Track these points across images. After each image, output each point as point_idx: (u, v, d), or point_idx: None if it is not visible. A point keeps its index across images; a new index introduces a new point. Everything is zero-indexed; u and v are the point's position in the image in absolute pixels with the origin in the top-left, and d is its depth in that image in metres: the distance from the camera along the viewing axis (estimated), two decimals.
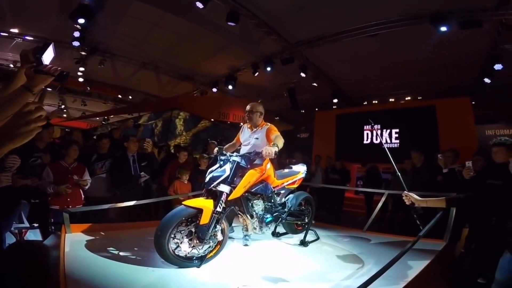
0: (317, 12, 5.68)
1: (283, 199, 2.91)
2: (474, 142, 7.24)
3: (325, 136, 10.94)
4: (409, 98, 10.18)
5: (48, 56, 1.34)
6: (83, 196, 3.19)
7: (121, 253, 2.19)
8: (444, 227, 2.92)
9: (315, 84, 8.75)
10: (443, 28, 5.13)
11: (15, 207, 2.69)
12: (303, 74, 7.74)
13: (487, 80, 6.83)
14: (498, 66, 6.20)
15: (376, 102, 10.77)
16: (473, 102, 8.12)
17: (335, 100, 9.98)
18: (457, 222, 2.97)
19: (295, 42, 6.98)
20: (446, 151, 4.19)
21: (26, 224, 2.95)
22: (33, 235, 3.04)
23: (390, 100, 10.57)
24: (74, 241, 2.25)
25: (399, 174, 2.24)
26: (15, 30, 7.23)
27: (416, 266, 2.19)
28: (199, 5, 5.10)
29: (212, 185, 2.25)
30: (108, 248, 2.24)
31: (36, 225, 3.01)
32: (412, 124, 8.60)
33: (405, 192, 2.22)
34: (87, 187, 3.17)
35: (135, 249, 2.31)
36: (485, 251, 2.33)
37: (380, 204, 3.59)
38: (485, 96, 7.90)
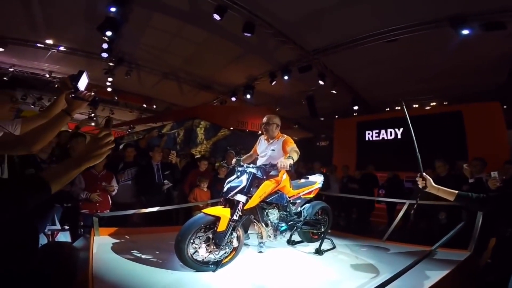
0: (333, 20, 5.72)
1: (299, 208, 2.95)
2: (505, 149, 6.81)
3: (346, 144, 10.75)
4: (434, 103, 9.80)
5: (83, 83, 1.56)
6: (110, 202, 3.43)
7: (143, 256, 2.34)
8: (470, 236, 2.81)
9: (334, 91, 8.71)
10: (465, 31, 4.96)
11: (49, 210, 2.96)
12: (321, 82, 7.74)
13: None
14: None
15: (399, 108, 10.47)
16: (505, 107, 7.67)
17: (356, 107, 9.84)
18: (484, 231, 2.82)
19: (312, 50, 7.04)
20: (472, 160, 4.03)
21: (58, 226, 3.21)
22: (64, 237, 3.30)
23: (414, 106, 10.23)
24: (102, 244, 2.44)
25: (418, 154, 2.14)
26: (50, 41, 7.82)
27: (434, 276, 2.13)
28: (216, 17, 5.32)
29: (229, 195, 2.36)
30: (132, 251, 2.40)
31: (67, 227, 3.27)
32: (437, 131, 8.25)
33: (423, 173, 2.05)
34: (114, 193, 3.41)
35: (157, 252, 2.45)
36: (504, 263, 2.22)
37: (401, 214, 3.49)
38: None
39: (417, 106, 10.11)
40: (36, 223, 2.12)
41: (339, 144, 11.16)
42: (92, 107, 1.64)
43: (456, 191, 1.97)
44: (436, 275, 2.15)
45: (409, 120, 2.21)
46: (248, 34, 5.78)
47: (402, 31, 5.67)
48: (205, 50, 7.75)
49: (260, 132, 7.59)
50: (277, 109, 11.50)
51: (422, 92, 8.92)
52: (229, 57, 8.04)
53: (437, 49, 6.29)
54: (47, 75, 10.30)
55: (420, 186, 2.06)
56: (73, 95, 1.54)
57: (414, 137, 2.16)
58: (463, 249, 2.78)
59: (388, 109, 10.78)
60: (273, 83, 8.34)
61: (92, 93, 1.57)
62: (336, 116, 11.70)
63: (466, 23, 4.94)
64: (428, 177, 2.04)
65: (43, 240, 2.93)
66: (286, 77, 7.72)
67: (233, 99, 10.50)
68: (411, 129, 2.16)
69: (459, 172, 4.06)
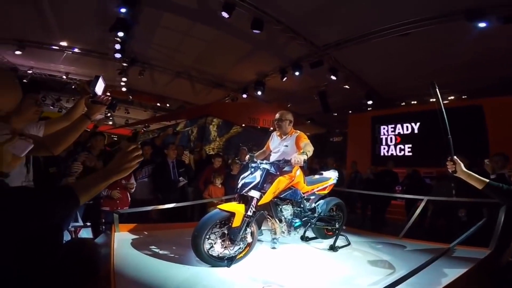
0: (342, 14, 5.61)
1: (313, 205, 2.94)
2: None
3: (360, 140, 10.57)
4: (452, 97, 9.44)
5: (100, 87, 1.64)
6: (129, 199, 3.55)
7: (161, 251, 2.41)
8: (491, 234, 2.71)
9: (346, 86, 8.55)
10: (482, 24, 4.77)
11: None
12: (333, 77, 7.62)
13: None
14: None
15: (415, 102, 10.16)
16: None
17: (370, 102, 9.63)
18: (507, 229, 2.71)
19: (323, 45, 6.94)
20: (494, 156, 3.87)
21: (81, 223, 3.36)
22: (86, 233, 3.45)
23: (431, 100, 9.89)
24: (122, 239, 2.53)
25: (450, 137, 2.07)
26: (64, 43, 8.06)
27: (452, 274, 2.09)
28: (225, 14, 5.33)
29: (243, 191, 2.39)
30: (150, 246, 2.48)
31: (89, 224, 3.42)
32: (456, 125, 7.91)
33: (454, 157, 1.98)
34: (133, 190, 3.53)
35: (173, 247, 2.53)
36: None
37: (418, 210, 3.42)
38: None
39: (433, 100, 9.76)
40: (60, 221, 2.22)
41: (353, 140, 10.99)
42: (111, 110, 1.72)
43: (487, 180, 1.90)
44: (454, 273, 2.10)
45: (441, 101, 2.19)
46: (257, 31, 5.76)
47: (415, 24, 5.49)
48: (216, 48, 7.78)
49: (271, 128, 7.59)
50: (288, 105, 11.43)
51: (439, 86, 8.57)
52: (239, 54, 8.04)
53: (454, 41, 6.06)
54: (64, 77, 10.65)
55: (450, 170, 2.00)
56: (91, 99, 1.62)
57: (446, 118, 2.11)
58: (484, 247, 2.69)
59: (403, 103, 10.48)
60: (284, 79, 8.28)
61: (110, 97, 1.64)
62: (350, 111, 11.50)
63: (483, 16, 4.75)
64: (459, 160, 1.96)
65: (66, 236, 3.07)
66: (297, 73, 7.65)
67: (244, 96, 10.53)
68: (443, 110, 2.11)
69: (481, 168, 3.92)
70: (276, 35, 6.66)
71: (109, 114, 14.83)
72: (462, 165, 1.96)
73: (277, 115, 2.92)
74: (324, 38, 6.71)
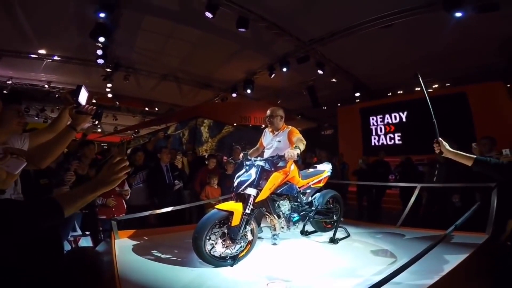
0: (326, 8, 5.66)
1: (310, 198, 2.97)
2: None
3: (350, 131, 10.74)
4: (436, 86, 9.68)
5: (83, 97, 1.62)
6: (125, 205, 3.51)
7: (163, 255, 2.40)
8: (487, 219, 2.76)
9: (334, 80, 8.66)
10: (458, 14, 4.90)
11: (71, 216, 3.04)
12: (320, 72, 7.71)
13: None
14: None
15: (402, 92, 10.38)
16: (508, 86, 7.58)
17: (357, 94, 9.78)
18: (501, 213, 2.78)
19: (308, 40, 6.99)
20: (481, 139, 3.98)
21: (79, 232, 3.30)
22: (85, 242, 3.39)
23: (416, 89, 10.12)
24: (123, 246, 2.50)
25: (434, 121, 2.15)
26: (43, 51, 7.82)
27: (452, 260, 2.13)
28: (208, 15, 5.28)
29: (240, 189, 2.39)
30: (152, 251, 2.46)
31: (87, 233, 3.36)
32: (442, 113, 8.10)
33: (439, 138, 2.04)
34: (128, 197, 3.49)
35: (175, 251, 2.52)
36: None
37: (413, 198, 3.49)
38: None
39: (418, 89, 9.99)
40: (59, 230, 2.18)
41: (343, 132, 11.15)
42: (96, 119, 1.68)
43: (474, 156, 1.94)
44: (455, 259, 2.14)
45: (424, 89, 2.28)
46: (243, 30, 5.75)
47: (397, 16, 5.59)
48: (201, 49, 7.73)
49: (263, 126, 7.61)
50: (278, 102, 11.48)
51: (423, 74, 8.78)
52: (226, 54, 8.02)
53: (435, 31, 6.21)
54: (46, 86, 10.36)
55: (436, 151, 2.04)
56: (76, 110, 1.59)
57: (430, 104, 2.18)
58: (480, 232, 2.74)
59: (390, 93, 10.68)
60: (273, 76, 8.32)
61: (94, 107, 1.61)
62: (339, 104, 11.65)
63: (460, 6, 4.87)
64: (443, 141, 2.01)
65: (66, 246, 3.01)
66: (284, 69, 7.69)
67: (234, 95, 10.51)
68: (427, 97, 2.20)
69: (469, 153, 4.02)
70: (261, 33, 6.67)
71: (96, 122, 14.55)
72: (447, 145, 2.00)
73: (268, 112, 2.94)
74: (309, 33, 6.76)
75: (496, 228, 2.76)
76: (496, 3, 4.74)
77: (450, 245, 2.57)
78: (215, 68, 9.12)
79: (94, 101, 11.20)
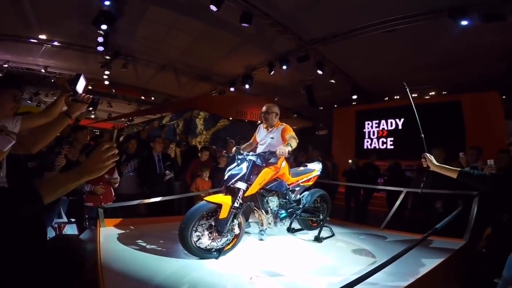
0: (330, 10, 5.69)
1: (298, 196, 3.01)
2: (503, 138, 6.87)
3: (345, 133, 10.81)
4: (433, 93, 9.79)
5: (81, 86, 1.61)
6: (113, 194, 3.49)
7: (148, 245, 2.41)
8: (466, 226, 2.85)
9: (332, 81, 8.69)
10: (464, 22, 4.94)
11: (56, 203, 3.02)
12: (320, 72, 7.73)
13: None
14: None
15: (398, 97, 10.47)
16: (504, 97, 7.69)
17: (355, 97, 9.84)
18: (480, 221, 2.88)
19: (310, 40, 7.00)
20: (469, 149, 4.08)
21: (65, 219, 3.28)
22: (71, 230, 3.37)
23: (413, 95, 10.20)
24: (108, 235, 2.50)
25: (422, 135, 2.24)
26: (43, 37, 7.74)
27: (429, 264, 2.20)
28: (213, 7, 5.25)
29: (230, 182, 2.41)
30: (137, 241, 2.47)
31: (73, 220, 3.34)
32: (436, 120, 8.15)
33: (426, 153, 2.15)
34: (116, 185, 3.47)
35: (161, 241, 2.53)
36: (500, 249, 2.29)
37: (398, 202, 3.54)
38: None
39: (416, 95, 10.10)
40: (43, 217, 2.17)
41: (338, 133, 11.22)
42: (92, 109, 1.67)
43: (458, 169, 2.03)
44: (431, 262, 2.21)
45: (412, 101, 2.32)
46: (246, 25, 5.72)
47: (401, 21, 5.63)
48: (202, 41, 7.68)
49: (259, 122, 7.62)
50: (276, 99, 11.47)
51: (421, 81, 8.91)
52: (227, 48, 7.98)
53: (436, 39, 6.26)
54: (43, 70, 10.23)
55: (424, 165, 2.13)
56: (72, 98, 1.59)
57: (418, 118, 2.27)
58: (459, 238, 2.82)
59: (387, 98, 10.77)
60: (272, 73, 8.31)
61: (91, 96, 1.60)
62: (335, 106, 11.71)
63: (465, 14, 4.91)
64: (430, 156, 2.10)
65: (50, 233, 2.99)
66: (284, 67, 7.69)
67: (232, 89, 10.47)
68: (415, 110, 2.27)
69: (458, 161, 4.11)
70: (264, 29, 6.65)
71: (90, 108, 14.37)
72: (433, 160, 2.08)
73: (264, 108, 2.96)
74: (312, 33, 6.77)
75: (474, 235, 2.85)
76: (502, 13, 4.78)
77: (429, 249, 2.65)
78: (215, 61, 9.07)
79: (90, 87, 11.05)
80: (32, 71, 10.34)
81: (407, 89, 2.39)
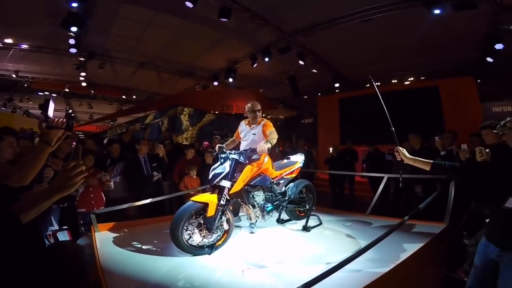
0: (309, 0, 5.69)
1: (283, 188, 3.13)
2: (479, 121, 7.21)
3: (329, 121, 11.01)
4: (412, 79, 10.09)
5: (51, 110, 1.62)
6: (104, 198, 3.50)
7: (143, 246, 2.49)
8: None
9: (314, 70, 8.80)
10: (437, 11, 5.09)
11: (48, 212, 3.02)
12: (301, 62, 7.81)
13: (489, 60, 6.78)
14: (499, 46, 6.21)
15: (379, 84, 10.70)
16: (478, 81, 8.04)
17: (337, 85, 10.00)
18: (459, 204, 3.00)
19: (290, 31, 7.02)
20: (444, 133, 4.24)
21: (56, 227, 3.27)
22: (63, 236, 3.37)
23: (393, 81, 10.49)
24: (103, 239, 2.57)
25: (393, 129, 2.28)
26: (9, 41, 7.39)
27: (411, 248, 2.31)
28: (189, 4, 5.18)
29: (215, 181, 2.50)
30: (132, 242, 2.54)
31: (65, 227, 3.34)
32: (415, 105, 8.37)
33: (398, 147, 2.18)
34: (112, 187, 3.49)
35: (155, 241, 2.61)
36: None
37: (380, 188, 3.70)
38: (491, 74, 7.82)
39: (395, 81, 10.38)
40: (38, 225, 2.19)
41: (322, 121, 11.41)
42: (68, 131, 1.67)
43: (431, 161, 2.07)
44: (413, 247, 2.33)
45: (379, 94, 2.41)
46: (225, 19, 5.67)
47: (378, 10, 5.72)
48: (182, 37, 7.53)
49: (245, 114, 7.62)
50: (260, 90, 11.51)
51: (400, 68, 9.15)
52: (208, 42, 7.88)
53: (413, 26, 6.40)
54: (14, 75, 9.82)
55: (398, 159, 2.18)
56: (47, 125, 1.59)
57: (387, 112, 2.33)
58: (440, 222, 2.96)
59: (368, 85, 11.00)
60: (255, 65, 8.31)
61: (64, 120, 1.62)
62: (319, 94, 11.87)
63: (438, 3, 5.05)
64: (403, 150, 2.15)
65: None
66: (266, 59, 7.72)
67: (215, 83, 10.40)
68: (384, 105, 2.35)
69: (433, 145, 4.26)
70: (245, 22, 6.61)
71: (70, 111, 13.91)
72: (406, 153, 2.14)
73: (249, 106, 3.05)
74: (292, 24, 6.78)
75: (453, 218, 2.98)
76: (473, 1, 4.95)
77: (411, 233, 2.80)
78: (196, 56, 8.95)
79: (67, 90, 10.68)
80: (3, 77, 9.90)
81: (373, 83, 2.46)
